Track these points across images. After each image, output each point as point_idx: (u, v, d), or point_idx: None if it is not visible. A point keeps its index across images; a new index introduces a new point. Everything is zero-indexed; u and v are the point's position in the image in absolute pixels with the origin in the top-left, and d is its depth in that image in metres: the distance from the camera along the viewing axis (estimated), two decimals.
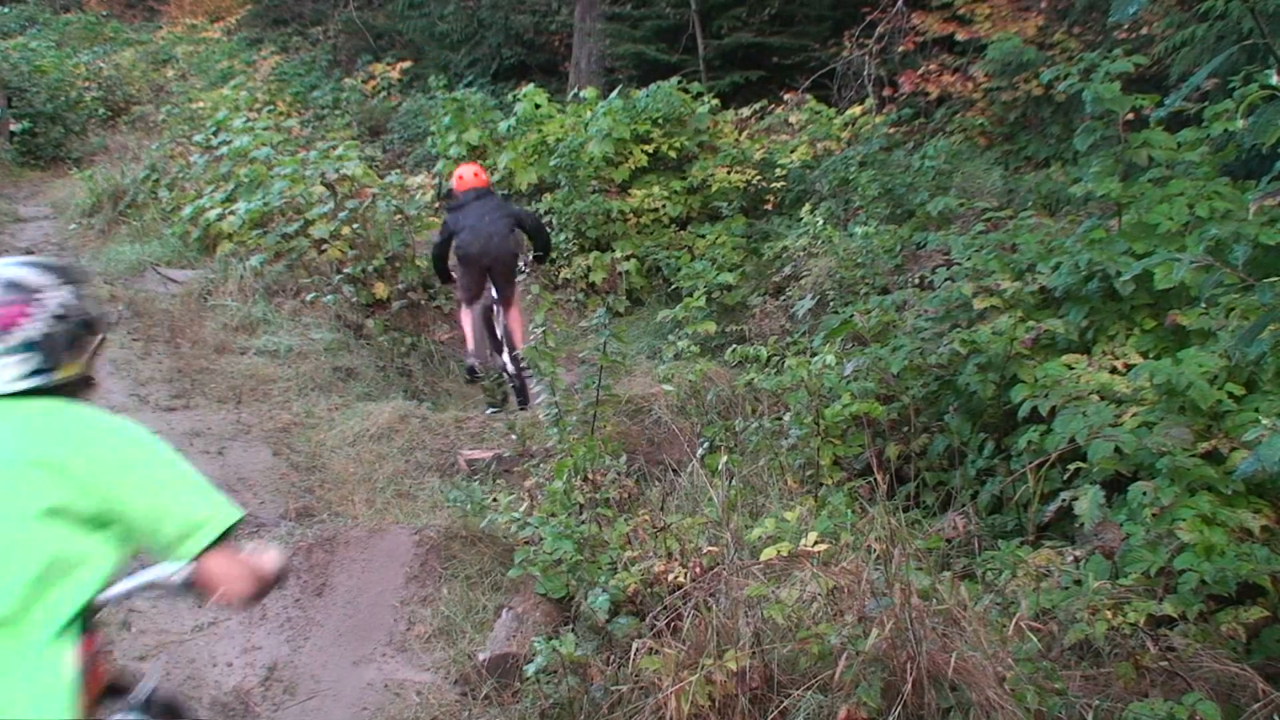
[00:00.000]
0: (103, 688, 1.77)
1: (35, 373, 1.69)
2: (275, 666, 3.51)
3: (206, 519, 1.70)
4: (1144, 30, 8.53)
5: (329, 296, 7.04)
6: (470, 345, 6.60)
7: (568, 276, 8.71)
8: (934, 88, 9.83)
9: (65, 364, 1.73)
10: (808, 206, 7.90)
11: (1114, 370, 3.96)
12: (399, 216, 7.91)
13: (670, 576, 3.24)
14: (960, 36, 9.96)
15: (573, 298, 8.47)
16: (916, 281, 5.96)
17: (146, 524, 1.66)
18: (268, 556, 1.85)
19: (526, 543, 3.91)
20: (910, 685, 2.52)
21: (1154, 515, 3.12)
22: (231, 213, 7.77)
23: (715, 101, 10.07)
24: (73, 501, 1.59)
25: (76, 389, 1.78)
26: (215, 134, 9.56)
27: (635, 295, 8.59)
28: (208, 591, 1.76)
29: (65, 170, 10.91)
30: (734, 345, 5.37)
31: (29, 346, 1.69)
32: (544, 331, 4.72)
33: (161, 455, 1.74)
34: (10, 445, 1.62)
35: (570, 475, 4.23)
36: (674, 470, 4.65)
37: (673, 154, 9.41)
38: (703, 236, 8.73)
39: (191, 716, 1.99)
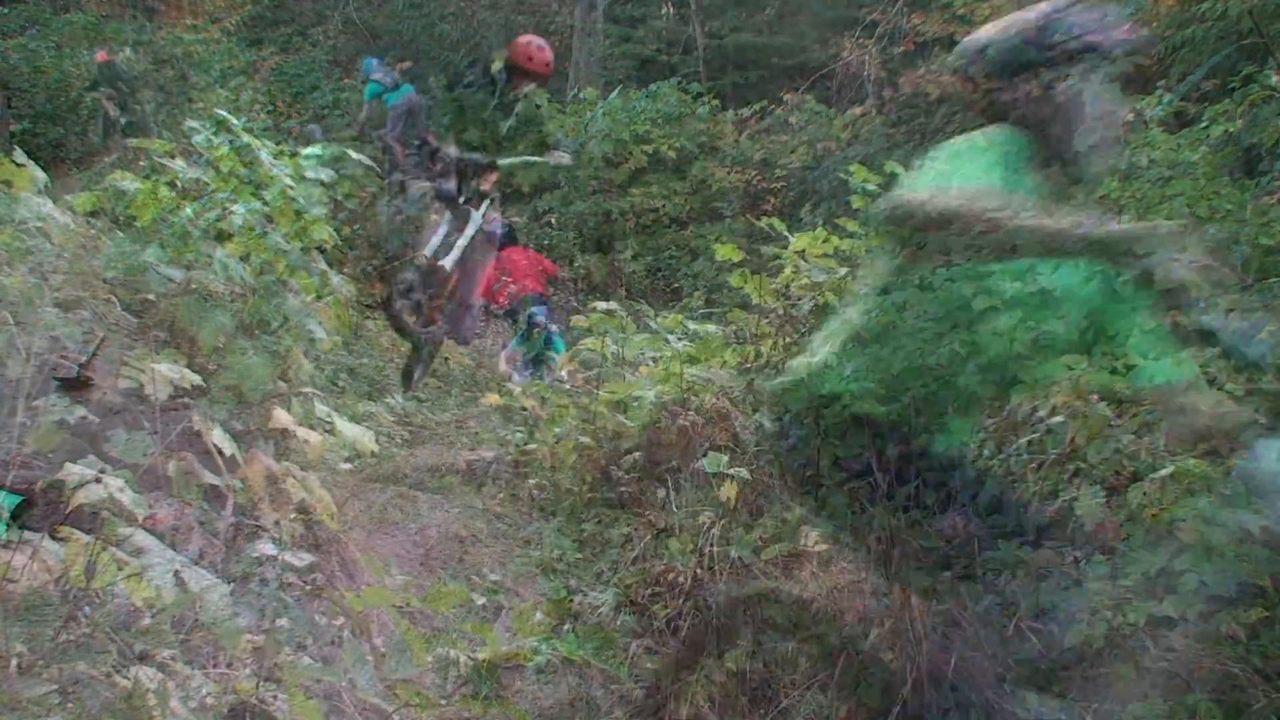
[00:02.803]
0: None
1: None
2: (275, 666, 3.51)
3: None
4: (1144, 30, 8.53)
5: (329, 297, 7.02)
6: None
7: (568, 276, 8.71)
8: (934, 88, 9.84)
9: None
10: (807, 207, 7.90)
11: (1114, 371, 3.95)
12: (399, 217, 7.90)
13: (670, 576, 3.24)
14: (960, 37, 9.96)
15: (572, 297, 8.47)
16: (916, 282, 5.95)
17: None
18: None
19: (526, 542, 3.91)
20: (910, 685, 2.52)
21: (1153, 515, 3.11)
22: (231, 213, 7.77)
23: (715, 102, 10.08)
24: None
25: None
26: (215, 134, 9.55)
27: (635, 294, 8.59)
28: None
29: (65, 171, 10.88)
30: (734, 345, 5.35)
31: None
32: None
33: None
34: None
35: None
36: (674, 470, 4.64)
37: (672, 154, 9.41)
38: (703, 236, 8.74)
39: None
